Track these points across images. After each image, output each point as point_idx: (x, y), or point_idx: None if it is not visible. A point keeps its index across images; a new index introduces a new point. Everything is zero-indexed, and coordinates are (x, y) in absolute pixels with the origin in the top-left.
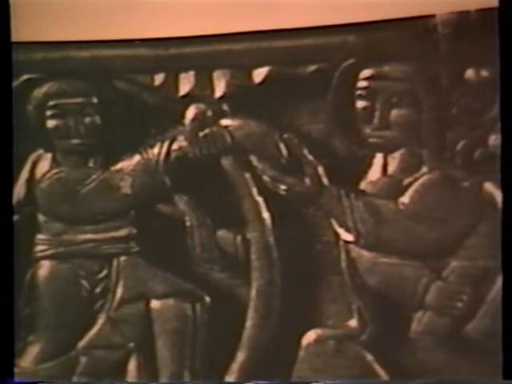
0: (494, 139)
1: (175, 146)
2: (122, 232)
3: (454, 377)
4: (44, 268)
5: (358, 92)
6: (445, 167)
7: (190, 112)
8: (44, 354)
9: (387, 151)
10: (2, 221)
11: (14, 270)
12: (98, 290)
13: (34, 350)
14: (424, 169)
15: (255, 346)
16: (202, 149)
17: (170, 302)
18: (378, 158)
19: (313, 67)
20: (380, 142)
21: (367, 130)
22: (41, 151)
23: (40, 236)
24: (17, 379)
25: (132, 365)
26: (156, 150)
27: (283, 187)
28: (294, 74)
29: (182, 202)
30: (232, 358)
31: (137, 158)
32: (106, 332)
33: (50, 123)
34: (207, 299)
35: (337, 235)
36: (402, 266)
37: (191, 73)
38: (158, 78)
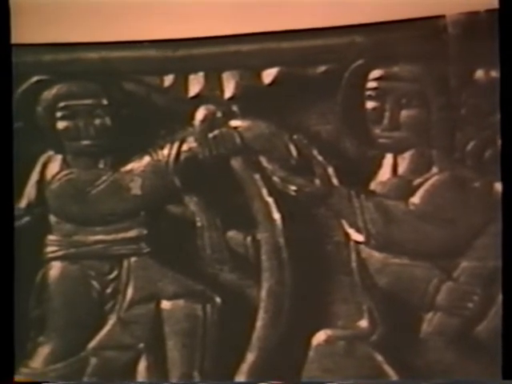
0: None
1: (185, 147)
2: (133, 233)
3: (464, 377)
4: (55, 269)
5: (368, 93)
6: (455, 168)
7: (200, 113)
8: (54, 355)
9: (397, 152)
10: (5, 223)
11: (25, 271)
12: (108, 290)
13: (44, 351)
14: (434, 169)
15: (265, 346)
16: (211, 150)
17: (181, 302)
18: (388, 159)
19: (322, 68)
20: (390, 143)
21: (377, 131)
22: (51, 152)
23: (51, 237)
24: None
25: (142, 365)
26: (166, 151)
27: (293, 188)
28: (304, 74)
29: (192, 203)
30: (242, 358)
31: (147, 159)
32: (117, 333)
33: (60, 124)
34: (217, 300)
35: (347, 236)
36: (412, 267)
37: (200, 74)
38: (168, 80)
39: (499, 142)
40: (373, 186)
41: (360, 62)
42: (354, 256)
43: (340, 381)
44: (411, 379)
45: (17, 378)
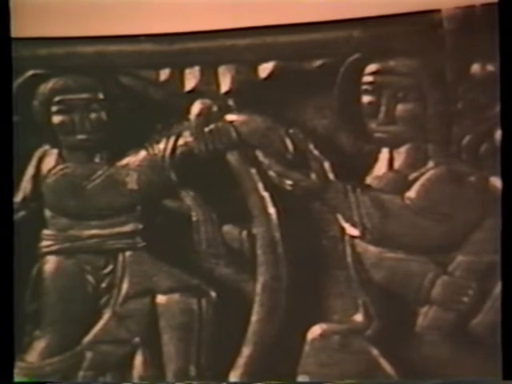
0: (500, 134)
1: (181, 142)
2: (128, 227)
3: (459, 372)
4: (50, 263)
5: (364, 87)
6: (450, 162)
7: (196, 107)
8: (50, 349)
9: (393, 146)
10: (4, 218)
11: (20, 265)
12: (103, 285)
13: (39, 345)
14: (430, 163)
15: (261, 340)
16: (207, 144)
17: (176, 297)
18: (384, 153)
19: (318, 62)
20: (386, 137)
21: (373, 125)
22: (47, 147)
23: (46, 231)
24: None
25: (138, 360)
26: (162, 146)
27: (289, 182)
28: (300, 69)
29: (187, 198)
30: (238, 352)
31: (143, 153)
32: (112, 327)
33: (56, 119)
34: (213, 294)
35: (343, 230)
36: (407, 261)
37: (196, 68)
38: (164, 74)
39: (495, 136)
40: (369, 180)
41: (356, 56)
42: (349, 250)
43: (336, 375)
44: (406, 373)
45: (15, 376)
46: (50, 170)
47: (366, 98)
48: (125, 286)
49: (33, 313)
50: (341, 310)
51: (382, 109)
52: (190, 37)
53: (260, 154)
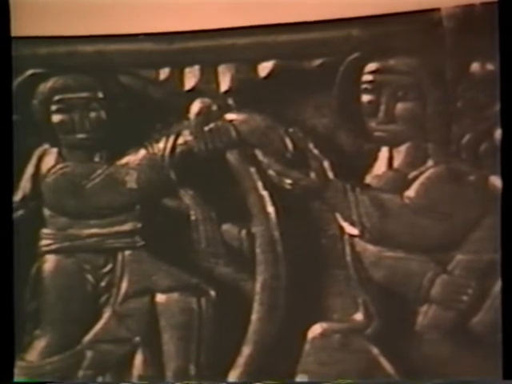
0: (500, 133)
1: (180, 141)
2: (127, 226)
3: (459, 371)
4: (49, 262)
5: (364, 86)
6: (450, 161)
7: (195, 106)
8: (50, 348)
9: (393, 145)
10: (3, 217)
11: (20, 264)
12: (103, 284)
13: (39, 344)
14: (429, 162)
15: (261, 339)
16: (207, 143)
17: (176, 296)
18: (384, 152)
19: (318, 61)
20: (385, 136)
21: (372, 124)
22: (46, 146)
23: (45, 230)
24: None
25: (138, 359)
26: (161, 145)
27: (288, 181)
28: (299, 68)
29: (187, 197)
30: (237, 352)
31: (142, 152)
32: (112, 326)
33: (56, 118)
34: (212, 293)
35: (342, 229)
36: (407, 260)
37: (196, 67)
38: (163, 73)
39: (495, 135)
40: (368, 179)
41: (356, 55)
42: (348, 249)
43: (335, 374)
44: (406, 372)
45: (15, 376)
46: (49, 169)
47: (365, 97)
48: (124, 285)
49: (33, 312)
50: (341, 309)
51: (382, 108)
52: (189, 36)
53: (259, 153)
